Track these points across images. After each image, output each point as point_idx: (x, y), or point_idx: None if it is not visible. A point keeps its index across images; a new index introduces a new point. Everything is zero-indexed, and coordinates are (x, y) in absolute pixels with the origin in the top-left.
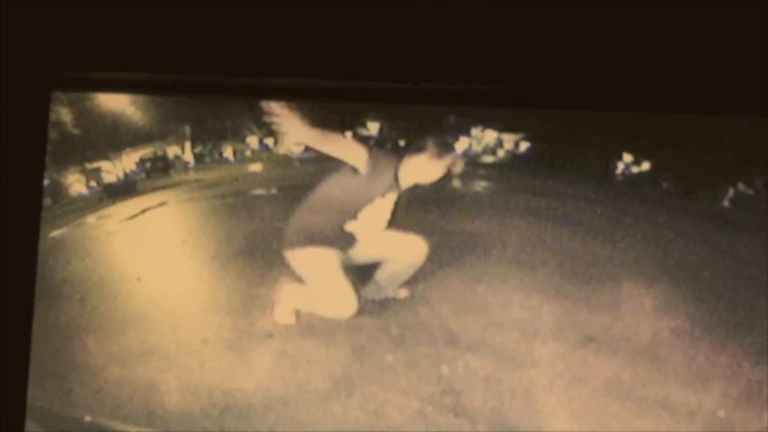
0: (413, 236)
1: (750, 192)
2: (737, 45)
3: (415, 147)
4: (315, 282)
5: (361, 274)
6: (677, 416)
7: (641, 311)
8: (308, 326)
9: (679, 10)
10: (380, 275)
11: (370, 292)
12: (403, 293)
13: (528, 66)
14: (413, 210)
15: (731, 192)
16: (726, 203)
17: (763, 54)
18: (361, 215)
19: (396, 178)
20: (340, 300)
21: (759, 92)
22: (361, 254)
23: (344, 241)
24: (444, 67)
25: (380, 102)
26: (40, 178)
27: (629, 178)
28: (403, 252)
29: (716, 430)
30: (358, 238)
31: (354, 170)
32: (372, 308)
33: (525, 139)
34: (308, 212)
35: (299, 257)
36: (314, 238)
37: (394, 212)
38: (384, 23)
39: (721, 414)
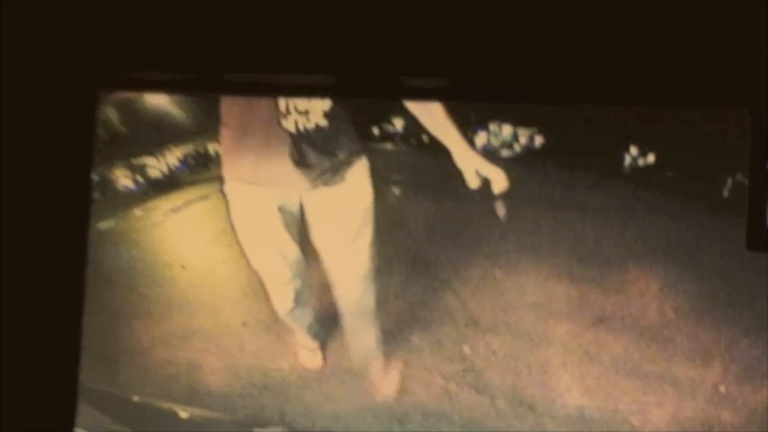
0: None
1: (747, 182)
2: (736, 45)
3: None
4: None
5: None
6: (681, 390)
7: (647, 293)
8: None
9: (681, 8)
10: None
11: None
12: None
13: (538, 63)
14: (436, 198)
15: (729, 182)
16: (725, 193)
17: (758, 52)
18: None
19: None
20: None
21: (758, 87)
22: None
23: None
24: (458, 65)
25: (401, 99)
26: (89, 173)
27: (635, 170)
28: None
29: (717, 404)
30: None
31: None
32: (398, 293)
33: (539, 133)
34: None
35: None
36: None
37: None
38: (400, 23)
39: (722, 389)
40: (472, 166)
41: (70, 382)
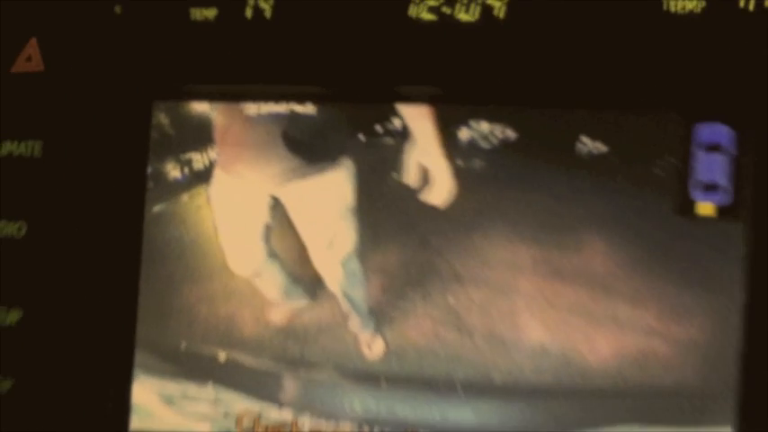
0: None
1: (676, 163)
2: (672, 58)
3: None
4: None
5: None
6: (623, 328)
7: (596, 252)
8: None
9: (626, 31)
10: None
11: None
12: None
13: (510, 73)
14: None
15: (663, 163)
16: (659, 172)
17: (688, 63)
18: None
19: None
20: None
21: (677, 92)
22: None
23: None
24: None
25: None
26: (145, 167)
27: (589, 156)
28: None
29: (652, 338)
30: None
31: None
32: (397, 255)
33: (511, 128)
34: None
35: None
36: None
37: None
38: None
39: (656, 326)
40: (425, 161)
41: (128, 335)
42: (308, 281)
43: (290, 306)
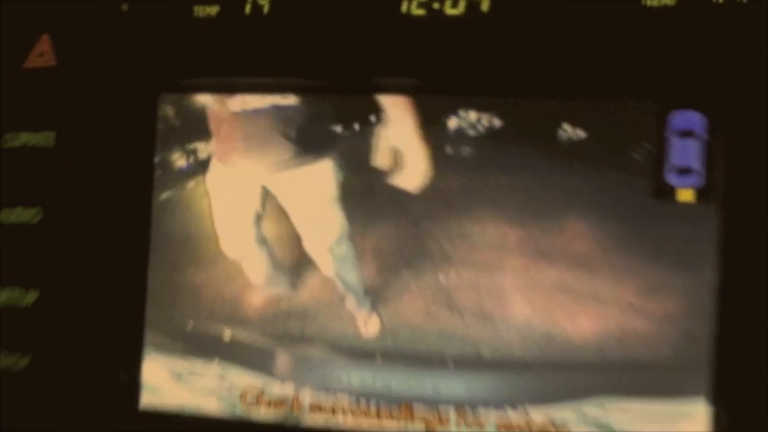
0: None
1: (652, 148)
2: (647, 52)
3: None
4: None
5: None
6: (604, 304)
7: (578, 233)
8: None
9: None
10: None
11: None
12: None
13: (495, 65)
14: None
15: (640, 149)
16: (636, 157)
17: (662, 55)
18: None
19: None
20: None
21: (652, 82)
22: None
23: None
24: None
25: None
26: (152, 157)
27: (570, 143)
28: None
29: (630, 314)
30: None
31: None
32: (391, 238)
33: (497, 117)
34: None
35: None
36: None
37: None
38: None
39: (633, 301)
40: (399, 146)
41: (139, 315)
42: (292, 270)
43: (270, 292)
